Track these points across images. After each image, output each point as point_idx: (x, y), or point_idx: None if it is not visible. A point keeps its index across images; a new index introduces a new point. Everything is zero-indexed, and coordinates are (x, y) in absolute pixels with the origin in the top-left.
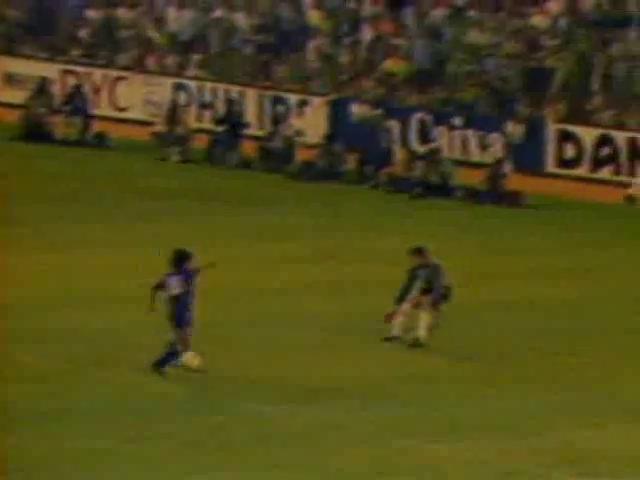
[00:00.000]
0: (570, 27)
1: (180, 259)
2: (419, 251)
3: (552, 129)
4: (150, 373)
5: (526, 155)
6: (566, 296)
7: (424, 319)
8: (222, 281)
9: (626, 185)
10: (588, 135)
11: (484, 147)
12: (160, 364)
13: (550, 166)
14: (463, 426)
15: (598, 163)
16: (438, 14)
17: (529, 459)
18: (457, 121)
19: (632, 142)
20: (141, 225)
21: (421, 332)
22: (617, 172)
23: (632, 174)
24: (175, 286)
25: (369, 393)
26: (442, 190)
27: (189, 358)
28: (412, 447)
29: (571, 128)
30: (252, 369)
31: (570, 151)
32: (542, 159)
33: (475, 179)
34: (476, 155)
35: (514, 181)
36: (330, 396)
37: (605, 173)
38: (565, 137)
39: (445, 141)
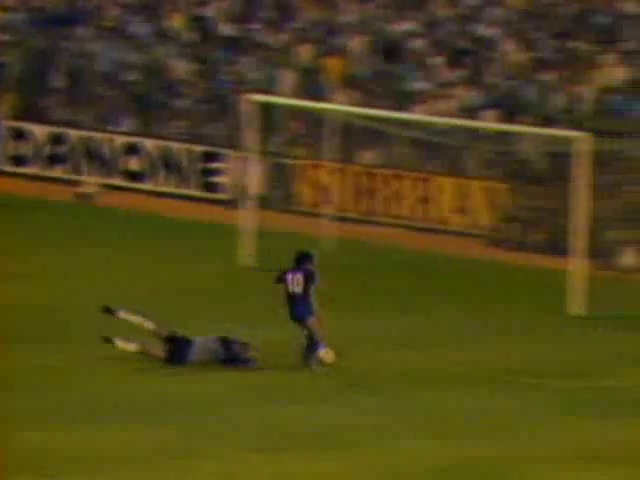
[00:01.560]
0: (24, 22)
1: (300, 259)
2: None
3: (4, 126)
4: None
5: None
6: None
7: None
8: None
9: (78, 183)
10: (41, 133)
11: None
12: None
13: (2, 163)
14: None
15: (51, 161)
16: None
17: None
18: None
19: (85, 140)
20: None
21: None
22: (69, 170)
23: (84, 172)
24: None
25: None
26: None
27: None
28: None
29: (24, 125)
30: None
31: (23, 148)
32: None
33: None
34: None
35: None
36: None
37: (58, 171)
38: (18, 134)
39: None
